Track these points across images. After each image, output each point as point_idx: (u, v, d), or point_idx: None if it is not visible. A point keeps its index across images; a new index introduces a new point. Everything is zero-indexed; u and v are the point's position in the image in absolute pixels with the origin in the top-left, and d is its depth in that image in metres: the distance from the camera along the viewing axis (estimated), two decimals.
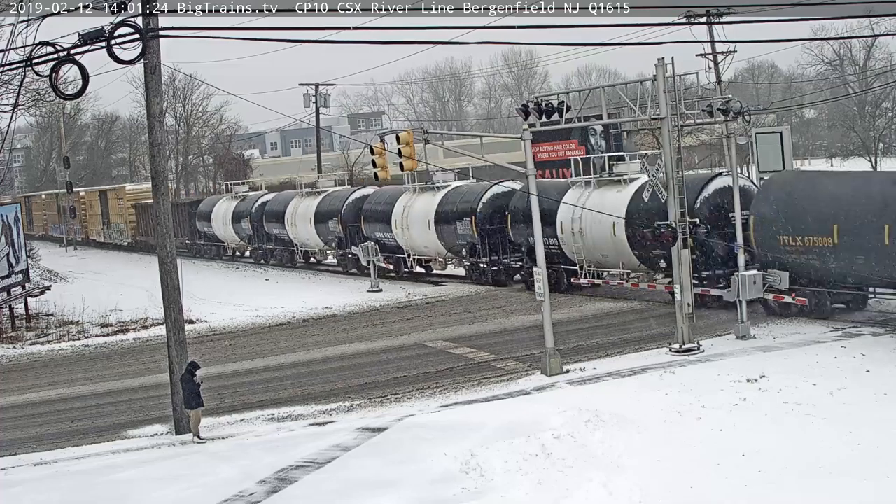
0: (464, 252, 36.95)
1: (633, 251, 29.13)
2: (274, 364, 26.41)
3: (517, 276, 35.26)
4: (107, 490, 16.86)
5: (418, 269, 40.67)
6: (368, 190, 43.37)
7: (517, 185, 33.67)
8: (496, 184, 36.34)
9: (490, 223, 35.47)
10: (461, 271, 38.68)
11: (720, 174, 29.16)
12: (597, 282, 31.25)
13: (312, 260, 48.77)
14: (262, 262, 51.10)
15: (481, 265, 36.25)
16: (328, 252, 46.30)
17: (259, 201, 50.59)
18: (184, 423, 19.78)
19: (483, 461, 16.07)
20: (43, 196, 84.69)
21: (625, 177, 30.03)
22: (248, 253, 53.65)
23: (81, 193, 74.65)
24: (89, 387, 25.49)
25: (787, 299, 24.89)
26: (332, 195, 44.91)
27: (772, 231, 24.92)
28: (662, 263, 27.55)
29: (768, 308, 25.74)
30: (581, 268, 31.41)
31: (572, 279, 32.21)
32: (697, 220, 25.46)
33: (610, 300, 31.12)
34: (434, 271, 40.69)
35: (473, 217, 35.68)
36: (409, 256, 39.90)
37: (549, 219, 30.35)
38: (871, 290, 24.43)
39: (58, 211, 76.75)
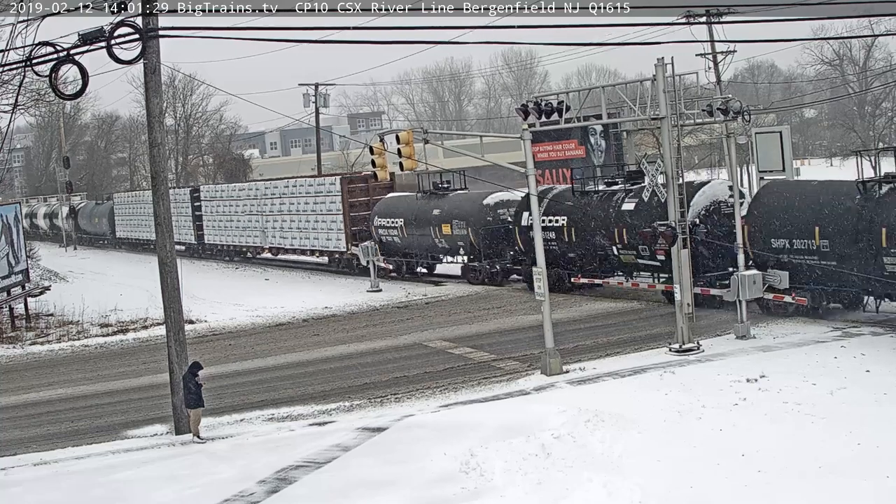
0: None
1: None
2: (274, 364, 26.40)
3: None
4: (107, 490, 16.85)
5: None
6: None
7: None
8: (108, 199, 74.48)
9: (91, 220, 72.83)
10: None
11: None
12: (597, 281, 31.36)
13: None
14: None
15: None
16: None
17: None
18: (184, 423, 19.77)
19: (483, 461, 16.07)
20: None
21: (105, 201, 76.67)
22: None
23: None
24: (89, 387, 25.48)
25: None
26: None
27: None
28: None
29: None
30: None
31: (574, 279, 32.31)
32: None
33: (610, 300, 31.11)
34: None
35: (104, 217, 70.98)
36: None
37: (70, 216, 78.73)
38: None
39: None
